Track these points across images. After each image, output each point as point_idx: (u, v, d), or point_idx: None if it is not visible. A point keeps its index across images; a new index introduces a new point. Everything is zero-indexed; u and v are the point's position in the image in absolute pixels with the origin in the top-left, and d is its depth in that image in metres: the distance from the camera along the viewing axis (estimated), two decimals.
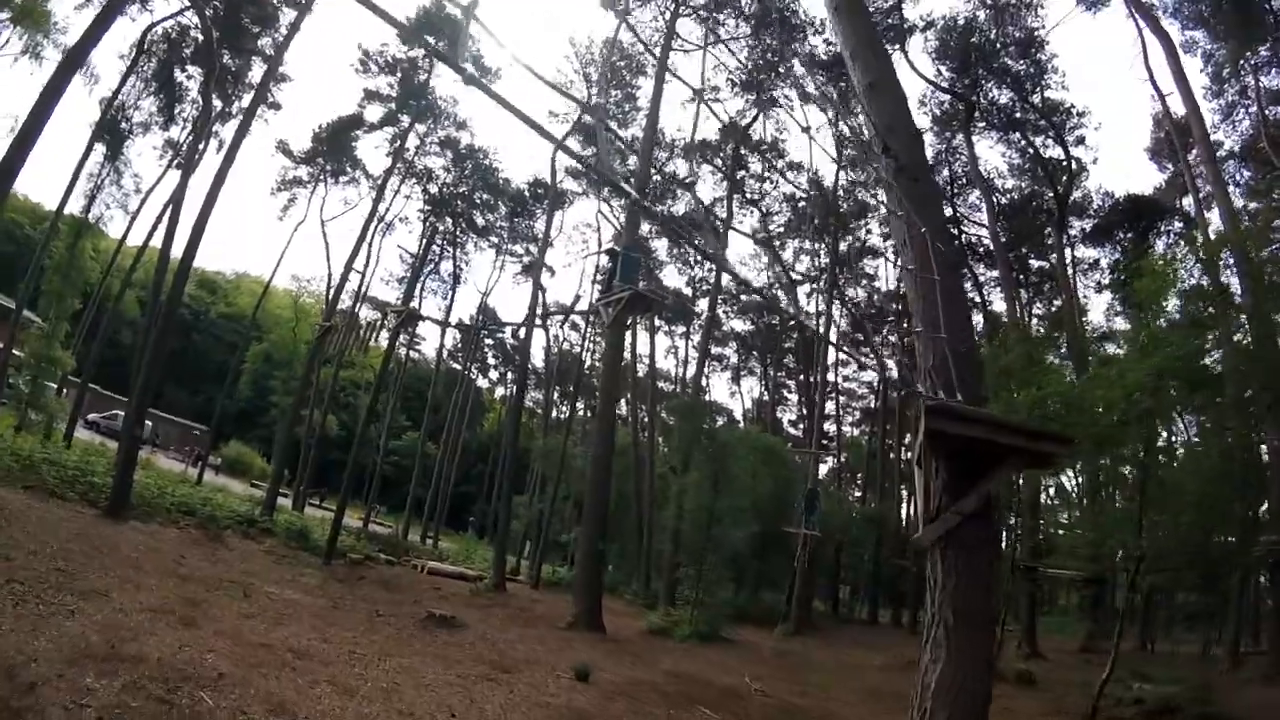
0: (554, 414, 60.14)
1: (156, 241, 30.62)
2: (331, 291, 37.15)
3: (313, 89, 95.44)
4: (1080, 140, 34.88)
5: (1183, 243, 32.50)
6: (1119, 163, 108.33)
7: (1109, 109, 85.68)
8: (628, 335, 48.53)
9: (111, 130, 31.13)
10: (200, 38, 30.06)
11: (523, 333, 35.12)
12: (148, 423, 48.14)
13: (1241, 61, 28.16)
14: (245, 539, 20.38)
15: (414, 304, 52.69)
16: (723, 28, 34.47)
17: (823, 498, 26.65)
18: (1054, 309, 41.58)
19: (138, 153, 36.27)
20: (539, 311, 34.75)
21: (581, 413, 57.54)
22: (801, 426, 66.35)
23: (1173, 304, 17.00)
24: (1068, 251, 37.91)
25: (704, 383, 45.00)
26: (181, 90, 33.67)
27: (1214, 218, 25.41)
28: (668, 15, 31.10)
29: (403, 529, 40.96)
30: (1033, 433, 7.14)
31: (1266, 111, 28.48)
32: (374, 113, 40.15)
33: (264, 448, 54.53)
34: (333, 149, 40.47)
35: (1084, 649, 26.86)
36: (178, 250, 22.55)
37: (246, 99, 35.33)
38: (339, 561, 21.71)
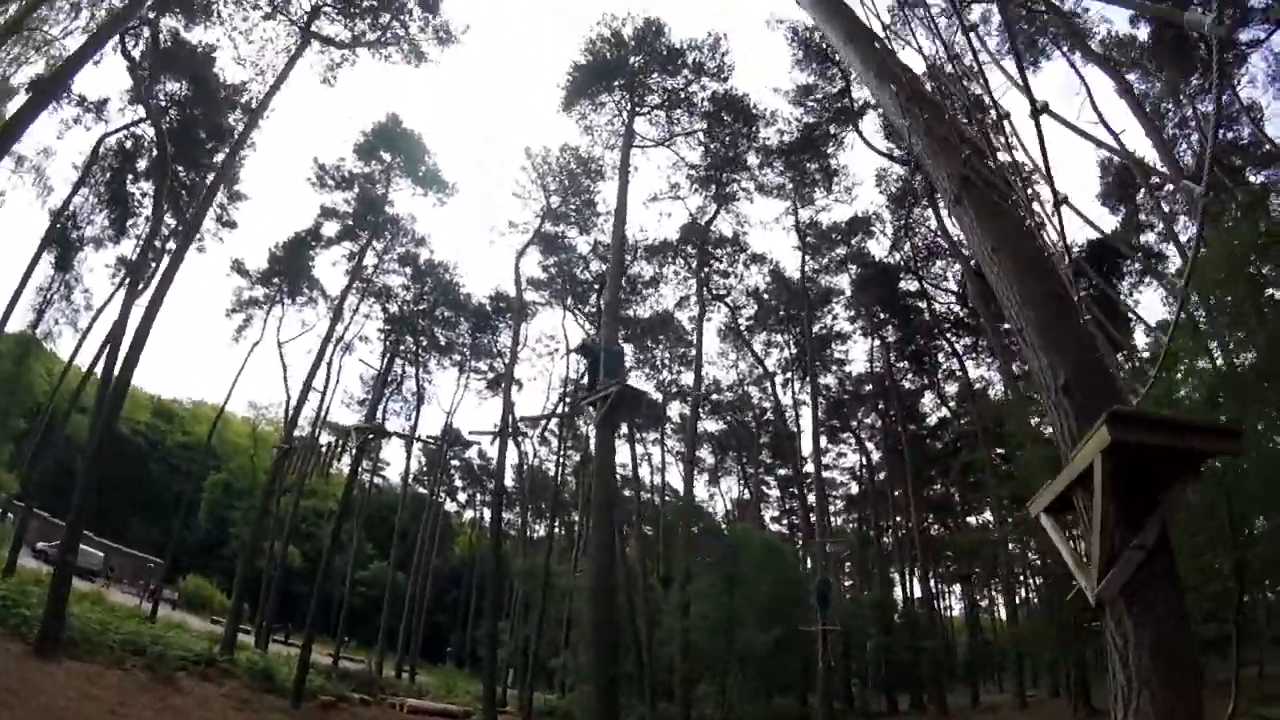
0: (529, 532, 57.50)
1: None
2: (290, 413, 35.00)
3: (270, 210, 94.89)
4: (1036, 196, 34.94)
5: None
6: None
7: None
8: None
9: (61, 241, 29.80)
10: (155, 151, 29.06)
11: (497, 444, 33.26)
12: (99, 554, 45.57)
13: (1178, 95, 28.88)
14: (202, 681, 17.73)
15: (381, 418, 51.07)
16: (677, 125, 34.47)
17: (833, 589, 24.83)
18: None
19: (89, 268, 34.85)
20: (511, 422, 32.98)
21: (559, 530, 54.98)
22: (785, 522, 64.81)
23: None
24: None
25: (684, 486, 43.12)
26: (134, 204, 32.79)
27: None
28: (625, 113, 31.00)
29: (376, 664, 37.45)
30: (1219, 431, 5.82)
31: (1207, 135, 28.92)
32: (331, 229, 39.37)
33: (225, 581, 50.77)
34: (289, 268, 39.30)
35: None
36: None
37: (204, 220, 34.66)
38: (309, 704, 19.08)
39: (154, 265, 31.96)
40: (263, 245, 45.06)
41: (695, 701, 26.48)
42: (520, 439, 44.31)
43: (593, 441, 55.97)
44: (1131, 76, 31.13)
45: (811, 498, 47.45)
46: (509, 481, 79.62)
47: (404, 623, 44.02)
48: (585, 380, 20.18)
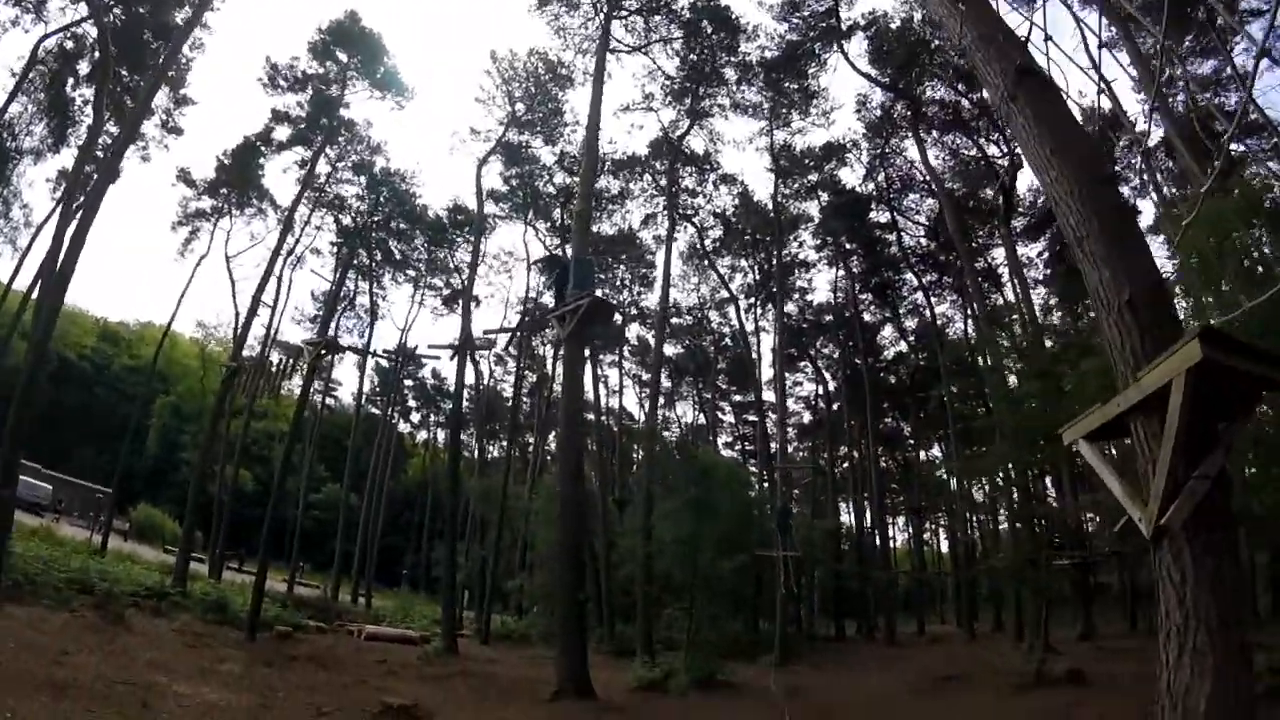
0: (485, 454, 57.02)
1: None
2: (239, 330, 33.27)
3: (221, 119, 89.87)
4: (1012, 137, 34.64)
5: None
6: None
7: None
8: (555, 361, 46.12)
9: None
10: (97, 52, 26.84)
11: (454, 362, 32.20)
12: (47, 486, 44.15)
13: (1167, 54, 28.34)
14: (154, 617, 17.02)
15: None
16: (655, 32, 32.74)
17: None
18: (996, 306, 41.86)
19: (29, 182, 32.53)
20: (471, 337, 31.86)
21: (515, 452, 54.60)
22: (739, 448, 65.27)
23: None
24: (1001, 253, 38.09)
25: (648, 409, 42.63)
26: (75, 111, 30.72)
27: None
28: (602, 15, 29.21)
29: (332, 589, 37.03)
30: None
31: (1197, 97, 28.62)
32: (283, 134, 37.09)
33: (177, 509, 49.41)
34: (238, 177, 37.18)
35: (1083, 637, 25.07)
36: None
37: (148, 125, 32.76)
38: (265, 635, 18.44)
39: (95, 177, 30.05)
40: (212, 155, 42.45)
41: (658, 625, 26.47)
42: (478, 357, 43.28)
43: (550, 362, 56.09)
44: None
45: (771, 425, 47.42)
46: (464, 402, 79.57)
47: (359, 547, 43.44)
48: (551, 295, 19.21)
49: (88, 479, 49.67)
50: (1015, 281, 34.21)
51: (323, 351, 23.96)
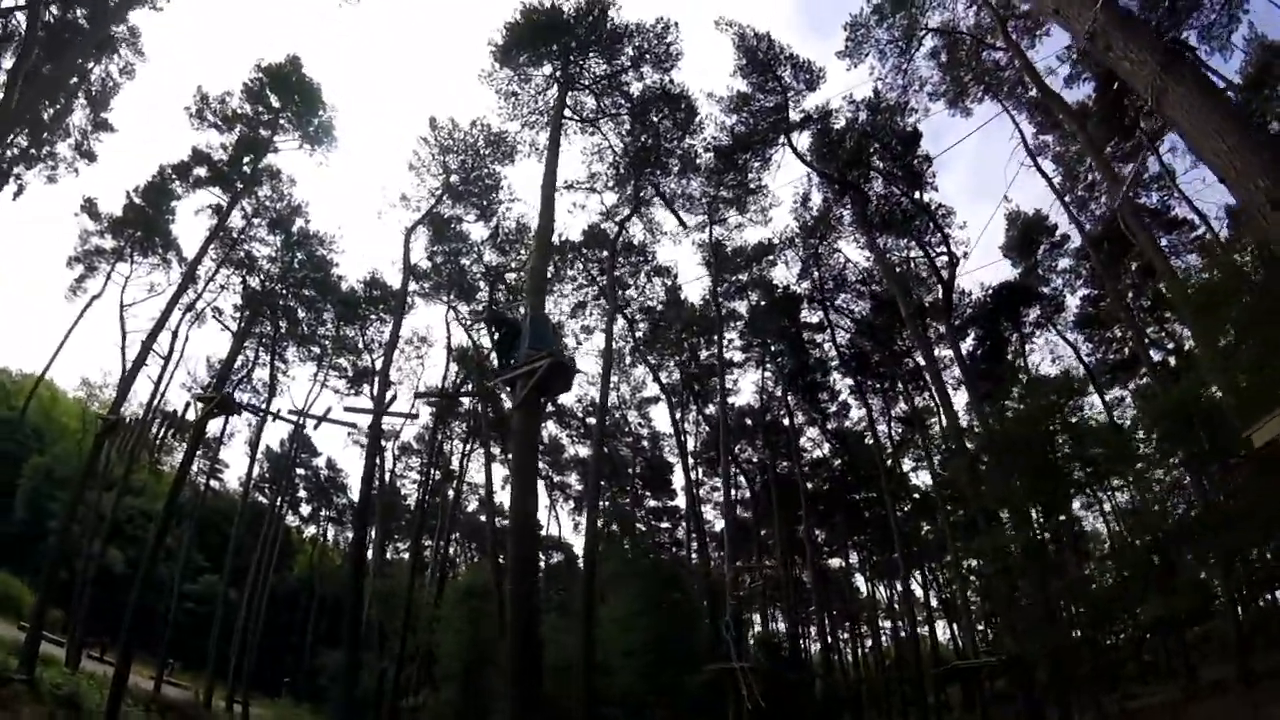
0: (386, 555, 52.63)
1: None
2: (124, 379, 29.18)
3: (135, 156, 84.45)
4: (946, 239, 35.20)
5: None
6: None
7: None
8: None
9: None
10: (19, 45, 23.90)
11: (360, 453, 29.09)
12: None
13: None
14: None
15: (220, 422, 44.94)
16: (606, 113, 31.87)
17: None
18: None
19: None
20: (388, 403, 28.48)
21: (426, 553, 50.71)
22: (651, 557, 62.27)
23: None
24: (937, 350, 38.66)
25: (586, 514, 39.50)
26: None
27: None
28: (558, 85, 28.14)
29: (205, 692, 31.78)
30: None
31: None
32: (201, 173, 34.40)
33: (40, 583, 43.06)
34: (145, 218, 34.48)
35: None
36: None
37: (62, 145, 30.66)
38: None
39: None
40: (122, 191, 38.78)
41: None
42: (383, 445, 39.82)
43: (456, 458, 52.61)
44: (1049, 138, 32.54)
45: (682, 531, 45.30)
46: (356, 495, 74.37)
47: (237, 646, 38.17)
48: (503, 348, 16.60)
49: None
50: (962, 373, 33.95)
51: (214, 410, 20.79)
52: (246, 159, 33.39)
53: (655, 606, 19.66)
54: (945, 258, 33.57)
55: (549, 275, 23.71)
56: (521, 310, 22.03)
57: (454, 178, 34.82)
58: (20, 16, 24.86)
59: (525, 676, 13.05)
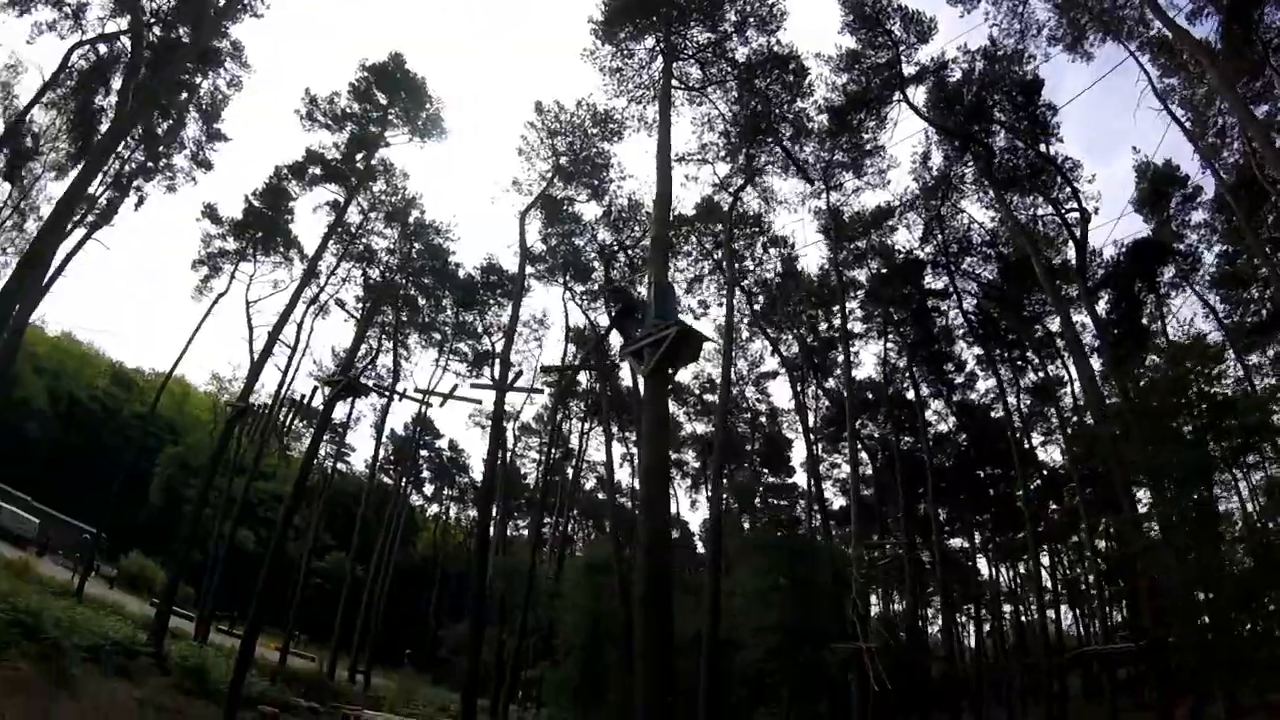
0: (507, 532, 53.61)
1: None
2: (252, 369, 30.10)
3: (253, 162, 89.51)
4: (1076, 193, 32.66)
5: None
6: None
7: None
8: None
9: (12, 145, 25.73)
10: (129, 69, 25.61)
11: (484, 433, 29.12)
12: (34, 520, 41.12)
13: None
14: (115, 679, 13.74)
15: (349, 403, 46.63)
16: (713, 82, 30.82)
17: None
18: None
19: (48, 199, 30.96)
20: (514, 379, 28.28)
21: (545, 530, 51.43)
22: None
23: None
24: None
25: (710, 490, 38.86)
26: (101, 126, 28.75)
27: None
28: (662, 55, 27.25)
29: (329, 664, 32.96)
30: None
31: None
32: (317, 171, 35.44)
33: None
34: (264, 218, 35.76)
35: None
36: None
37: (178, 157, 32.44)
38: (245, 715, 15.12)
39: (115, 196, 28.83)
40: (240, 195, 40.76)
41: None
42: (504, 425, 40.18)
43: (576, 437, 52.86)
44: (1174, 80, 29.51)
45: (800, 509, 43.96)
46: (477, 475, 76.27)
47: (360, 620, 39.56)
48: (617, 324, 16.04)
49: (85, 523, 46.67)
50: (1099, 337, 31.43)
51: (341, 393, 21.19)
52: (359, 155, 34.05)
53: (789, 583, 18.77)
54: (1075, 214, 31.15)
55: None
56: (645, 281, 21.37)
57: (563, 159, 34.39)
58: (125, 40, 26.11)
59: (656, 653, 12.43)
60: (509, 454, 53.35)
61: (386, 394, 29.13)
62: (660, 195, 19.61)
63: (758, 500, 61.29)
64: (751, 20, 28.59)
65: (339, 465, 57.47)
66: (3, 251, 29.39)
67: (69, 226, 22.34)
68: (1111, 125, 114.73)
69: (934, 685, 35.60)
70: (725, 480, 53.82)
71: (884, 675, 18.34)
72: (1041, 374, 41.67)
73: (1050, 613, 45.28)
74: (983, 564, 56.62)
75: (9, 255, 29.55)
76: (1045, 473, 43.58)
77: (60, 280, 26.29)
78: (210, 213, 36.66)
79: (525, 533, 69.21)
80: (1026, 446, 42.83)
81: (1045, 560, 45.66)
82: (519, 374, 25.32)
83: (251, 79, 35.29)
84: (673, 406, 53.70)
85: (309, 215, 58.71)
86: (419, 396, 22.55)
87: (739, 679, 22.05)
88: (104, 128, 28.69)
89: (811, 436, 43.64)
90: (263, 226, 36.28)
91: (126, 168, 31.99)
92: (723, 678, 21.87)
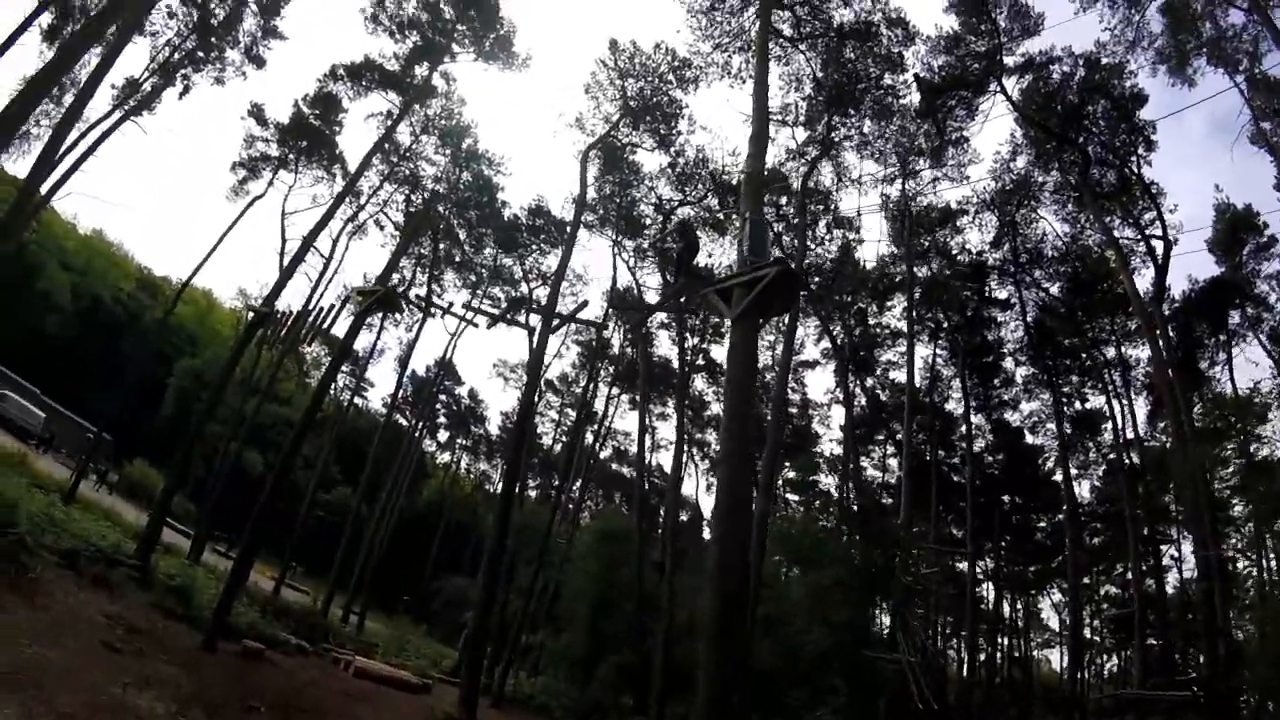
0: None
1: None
2: (281, 275, 27.96)
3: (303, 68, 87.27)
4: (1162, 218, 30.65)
5: None
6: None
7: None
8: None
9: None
10: None
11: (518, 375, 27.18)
12: (40, 414, 39.32)
13: None
14: (89, 590, 12.15)
15: (373, 333, 45.00)
16: (804, 41, 28.70)
17: None
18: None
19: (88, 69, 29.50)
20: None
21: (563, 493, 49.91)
22: None
23: None
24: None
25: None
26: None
27: None
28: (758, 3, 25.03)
29: (324, 600, 31.44)
30: None
31: None
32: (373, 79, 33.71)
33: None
34: (312, 128, 34.38)
35: None
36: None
37: (231, 52, 31.37)
38: (228, 646, 13.48)
39: (159, 83, 27.39)
40: (286, 102, 39.18)
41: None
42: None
43: (601, 400, 50.97)
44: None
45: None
46: (494, 428, 74.85)
47: (360, 560, 38.08)
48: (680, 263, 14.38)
49: (96, 425, 45.77)
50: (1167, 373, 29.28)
51: (374, 305, 19.47)
52: (421, 65, 32.09)
53: (855, 580, 17.03)
54: (1160, 242, 29.28)
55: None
56: (739, 211, 19.30)
57: (633, 103, 32.30)
58: None
59: (727, 638, 9.99)
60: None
61: (425, 310, 27.01)
62: (756, 133, 17.59)
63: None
64: None
65: (356, 400, 56.23)
66: (36, 123, 27.41)
67: (83, 104, 20.60)
68: (1179, 151, 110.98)
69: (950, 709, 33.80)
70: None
71: (929, 694, 16.47)
72: (1085, 404, 39.97)
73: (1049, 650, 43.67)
74: (990, 591, 55.01)
75: (42, 127, 27.68)
76: (1081, 508, 41.36)
77: (96, 175, 25.09)
78: (257, 113, 35.07)
79: (532, 493, 68.28)
80: (1059, 477, 41.03)
81: (1056, 596, 43.89)
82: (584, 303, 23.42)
83: None
84: (700, 384, 51.80)
85: (356, 133, 57.00)
86: (462, 313, 20.57)
87: (789, 676, 20.31)
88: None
89: (855, 432, 41.51)
90: (309, 135, 34.66)
91: (175, 55, 30.46)
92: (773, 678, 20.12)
